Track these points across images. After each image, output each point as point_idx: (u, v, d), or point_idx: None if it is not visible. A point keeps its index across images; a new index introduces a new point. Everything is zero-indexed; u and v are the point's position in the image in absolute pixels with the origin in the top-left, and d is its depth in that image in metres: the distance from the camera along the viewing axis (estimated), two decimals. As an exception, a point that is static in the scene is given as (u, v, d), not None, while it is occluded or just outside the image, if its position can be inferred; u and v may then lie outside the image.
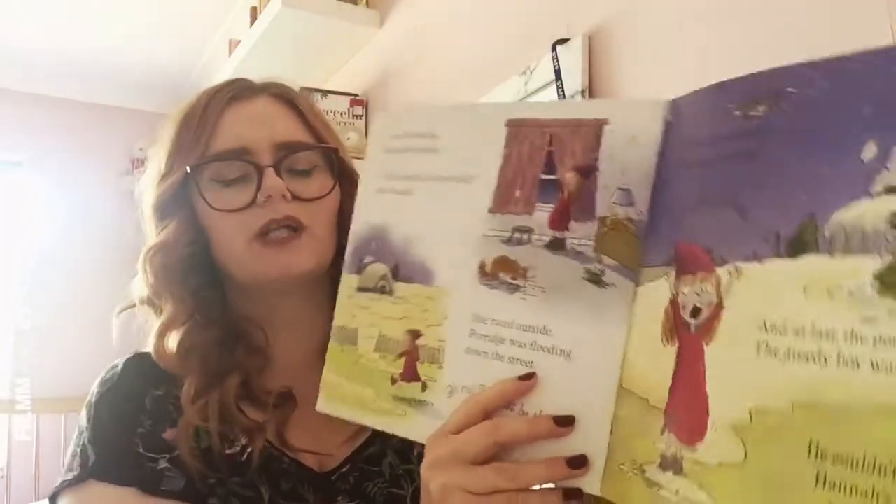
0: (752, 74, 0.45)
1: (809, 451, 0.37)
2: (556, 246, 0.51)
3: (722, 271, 0.43)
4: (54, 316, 2.95)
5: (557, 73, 1.23)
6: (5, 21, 2.78)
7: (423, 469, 0.51)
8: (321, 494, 0.67)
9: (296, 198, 0.67)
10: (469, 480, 0.47)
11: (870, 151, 0.38)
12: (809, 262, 0.39)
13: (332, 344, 0.61)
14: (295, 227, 0.66)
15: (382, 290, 0.59)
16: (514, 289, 0.52)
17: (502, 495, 0.46)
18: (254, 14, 2.20)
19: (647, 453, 0.45)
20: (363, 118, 1.99)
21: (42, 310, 2.96)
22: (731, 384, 0.41)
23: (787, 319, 0.39)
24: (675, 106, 0.49)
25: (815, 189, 0.40)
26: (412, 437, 0.55)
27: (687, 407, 0.43)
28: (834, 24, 0.86)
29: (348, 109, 1.99)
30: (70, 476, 0.63)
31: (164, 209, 0.70)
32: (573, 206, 0.51)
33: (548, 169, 0.53)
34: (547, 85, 1.30)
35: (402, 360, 0.56)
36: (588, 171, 0.51)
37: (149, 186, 0.72)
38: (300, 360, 0.71)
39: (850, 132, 0.39)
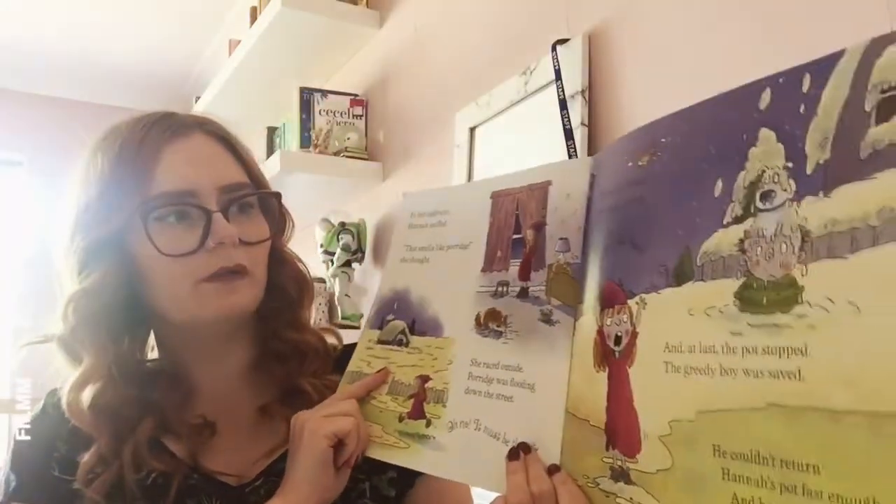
0: (641, 128, 0.53)
1: (714, 452, 0.42)
2: (523, 294, 0.61)
3: (632, 302, 0.50)
4: (54, 316, 2.95)
5: (557, 73, 1.23)
6: (5, 21, 2.78)
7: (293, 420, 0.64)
8: None
9: (243, 241, 0.67)
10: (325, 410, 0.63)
11: (718, 188, 0.45)
12: (690, 289, 0.46)
13: (342, 385, 0.70)
14: (236, 271, 0.67)
15: (400, 343, 0.69)
16: (499, 335, 0.61)
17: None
18: (254, 14, 2.20)
19: (596, 468, 0.51)
20: (363, 118, 1.99)
21: (42, 310, 2.96)
22: (651, 400, 0.48)
23: (681, 340, 0.46)
24: (597, 161, 0.58)
25: (687, 224, 0.47)
26: (412, 466, 0.63)
27: (623, 424, 0.49)
28: (834, 24, 0.86)
29: (348, 109, 1.99)
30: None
31: (93, 252, 0.66)
32: (532, 258, 0.61)
33: (516, 229, 0.63)
34: (547, 85, 1.30)
35: (411, 400, 0.65)
36: (539, 227, 0.61)
37: (74, 225, 0.68)
38: (224, 388, 0.74)
39: (704, 171, 0.46)
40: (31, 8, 2.70)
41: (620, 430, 0.49)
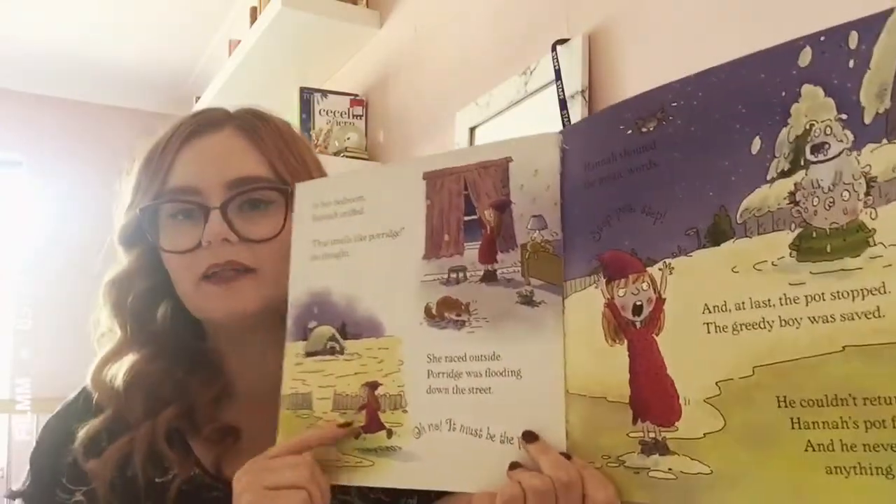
0: (637, 97, 0.52)
1: (779, 404, 0.42)
2: (489, 278, 0.56)
3: (653, 269, 0.49)
4: (54, 316, 2.95)
5: (557, 73, 1.23)
6: (6, 21, 2.78)
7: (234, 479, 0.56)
8: None
9: (242, 238, 0.65)
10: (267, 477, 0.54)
11: (756, 146, 0.45)
12: (731, 247, 0.46)
13: (283, 412, 0.62)
14: (240, 269, 0.66)
15: (332, 351, 0.61)
16: (461, 325, 0.56)
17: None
18: (254, 14, 2.20)
19: (620, 445, 0.49)
20: (363, 118, 1.99)
21: (42, 310, 2.96)
22: (691, 365, 0.47)
23: (726, 298, 0.45)
24: (568, 135, 0.56)
25: (719, 184, 0.47)
26: (382, 484, 0.58)
27: (655, 393, 0.48)
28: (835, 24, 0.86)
29: (348, 109, 1.99)
30: (15, 488, 0.69)
31: (127, 241, 0.71)
32: (497, 239, 0.56)
33: (468, 210, 0.58)
34: (547, 85, 1.30)
35: (363, 413, 0.59)
36: (503, 206, 0.57)
37: (117, 215, 0.73)
38: (263, 395, 0.70)
39: (735, 130, 0.46)
40: (32, 8, 2.70)
41: (652, 400, 0.48)
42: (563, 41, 1.26)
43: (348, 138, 1.93)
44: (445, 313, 0.57)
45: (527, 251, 0.55)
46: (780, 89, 0.44)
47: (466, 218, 0.58)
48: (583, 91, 1.22)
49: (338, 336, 0.61)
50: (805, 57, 0.44)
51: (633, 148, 0.51)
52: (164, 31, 2.92)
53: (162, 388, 0.67)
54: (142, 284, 0.69)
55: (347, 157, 1.91)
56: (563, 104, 1.21)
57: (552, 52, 1.25)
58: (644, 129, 0.51)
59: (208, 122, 0.70)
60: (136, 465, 0.64)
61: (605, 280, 0.51)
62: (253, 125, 0.71)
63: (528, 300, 0.54)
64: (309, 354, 0.62)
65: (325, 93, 2.00)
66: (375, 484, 0.58)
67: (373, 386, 0.59)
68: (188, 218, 0.67)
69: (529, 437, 0.51)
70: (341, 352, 0.61)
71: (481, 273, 0.56)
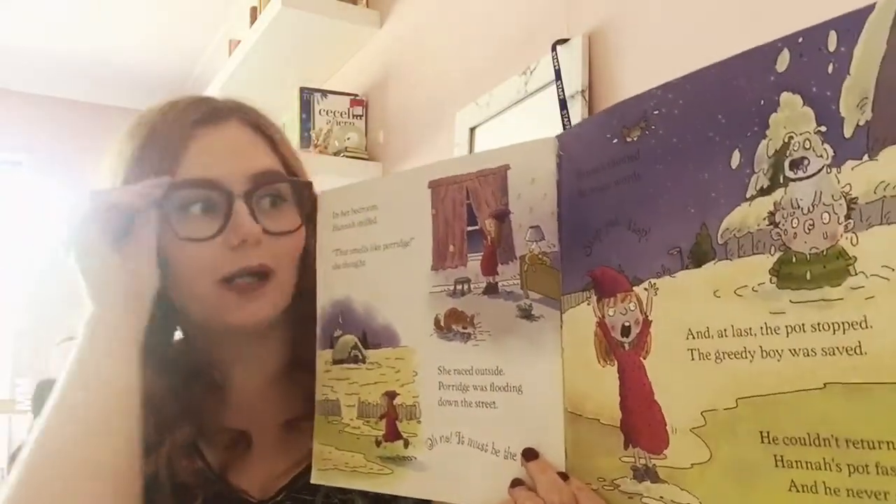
0: (622, 102, 0.49)
1: (762, 439, 0.40)
2: (491, 290, 0.54)
3: (639, 289, 0.46)
4: (54, 316, 2.95)
5: (557, 73, 1.23)
6: (5, 21, 2.78)
7: None
8: None
9: (266, 232, 0.63)
10: None
11: (735, 160, 0.42)
12: (713, 269, 0.42)
13: (317, 417, 0.64)
14: (261, 275, 0.63)
15: (356, 360, 0.62)
16: (467, 337, 0.55)
17: None
18: (254, 14, 2.20)
19: (614, 469, 0.47)
20: (363, 118, 1.99)
21: (42, 310, 2.96)
22: (677, 391, 0.44)
23: (709, 324, 0.42)
24: (563, 141, 0.53)
25: (700, 201, 0.43)
26: (400, 492, 0.58)
27: (644, 419, 0.46)
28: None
29: (348, 109, 1.98)
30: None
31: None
32: (497, 250, 0.54)
33: (470, 220, 0.56)
34: (547, 85, 1.30)
35: (384, 421, 0.59)
36: (502, 216, 0.54)
37: None
38: (254, 392, 0.70)
39: (715, 143, 0.43)
40: (32, 8, 2.70)
41: (641, 426, 0.46)
42: (563, 41, 1.26)
43: (348, 138, 1.93)
44: (453, 325, 0.56)
45: (525, 263, 0.53)
46: (759, 97, 0.41)
47: (469, 228, 0.56)
48: (583, 91, 1.21)
49: (360, 345, 0.62)
50: (783, 61, 0.40)
51: (619, 158, 0.48)
52: (164, 31, 2.92)
53: (169, 407, 0.64)
54: None
55: (347, 157, 1.91)
56: (563, 104, 1.21)
57: (552, 52, 1.25)
58: (628, 139, 0.48)
59: (214, 111, 0.66)
60: (159, 481, 0.61)
61: (596, 298, 0.49)
62: (259, 119, 0.68)
63: (527, 314, 0.52)
64: (336, 362, 0.63)
65: (325, 93, 2.00)
66: (394, 492, 0.59)
67: (391, 395, 0.59)
68: (206, 211, 0.63)
69: (529, 454, 0.51)
70: (363, 360, 0.61)
71: (484, 285, 0.55)
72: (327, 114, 1.96)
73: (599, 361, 0.48)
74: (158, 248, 0.63)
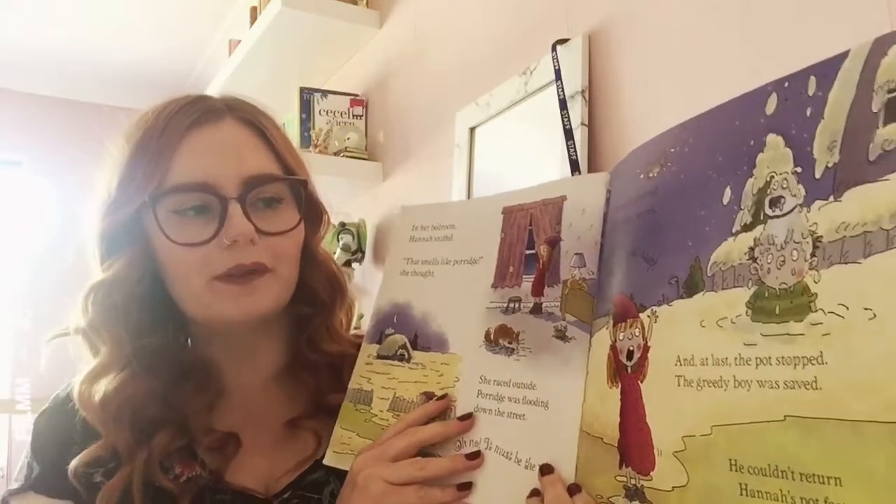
0: (653, 140, 0.52)
1: (731, 467, 0.41)
2: (537, 310, 0.59)
3: (644, 316, 0.49)
4: (54, 316, 2.95)
5: (557, 73, 1.23)
6: (5, 21, 2.78)
7: (353, 465, 0.59)
8: None
9: (261, 232, 0.63)
10: (387, 472, 0.56)
11: (726, 196, 0.44)
12: (701, 300, 0.45)
13: (346, 403, 0.67)
14: (259, 272, 0.63)
15: (401, 358, 0.66)
16: (510, 352, 0.59)
17: (412, 486, 0.55)
18: (254, 14, 2.20)
19: (610, 487, 0.49)
20: (363, 118, 1.99)
21: (42, 310, 2.96)
22: (665, 415, 0.46)
23: (693, 352, 0.44)
24: (613, 175, 0.57)
25: (696, 234, 0.46)
26: None
27: (636, 441, 0.48)
28: (836, 24, 0.85)
29: (348, 109, 1.98)
30: (15, 486, 0.66)
31: (113, 241, 0.65)
32: (546, 273, 0.59)
33: (529, 245, 0.62)
34: (547, 85, 1.30)
35: None
36: (554, 242, 0.60)
37: (96, 213, 0.66)
38: (253, 395, 0.70)
39: (713, 180, 0.45)
40: (31, 8, 2.70)
41: (633, 447, 0.48)
42: (563, 41, 1.26)
43: (348, 138, 1.92)
44: (500, 339, 0.60)
45: (566, 287, 0.57)
46: (750, 138, 0.43)
47: (528, 252, 0.61)
48: (583, 91, 1.21)
49: (408, 345, 0.66)
50: (771, 104, 0.42)
51: (643, 192, 0.51)
52: (164, 31, 2.91)
53: (149, 409, 0.64)
54: (133, 288, 0.64)
55: (347, 156, 1.91)
56: (563, 104, 1.20)
57: (552, 52, 1.25)
58: (650, 175, 0.51)
59: (207, 111, 0.66)
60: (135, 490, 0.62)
61: (612, 322, 0.52)
62: (255, 118, 0.68)
63: (561, 335, 0.56)
64: (380, 357, 0.67)
65: (325, 93, 2.00)
66: None
67: (429, 396, 0.62)
68: (200, 214, 0.63)
69: (545, 468, 0.52)
70: (408, 360, 0.65)
71: (531, 305, 0.59)
72: (327, 114, 1.96)
73: (608, 383, 0.51)
74: (153, 252, 0.64)
